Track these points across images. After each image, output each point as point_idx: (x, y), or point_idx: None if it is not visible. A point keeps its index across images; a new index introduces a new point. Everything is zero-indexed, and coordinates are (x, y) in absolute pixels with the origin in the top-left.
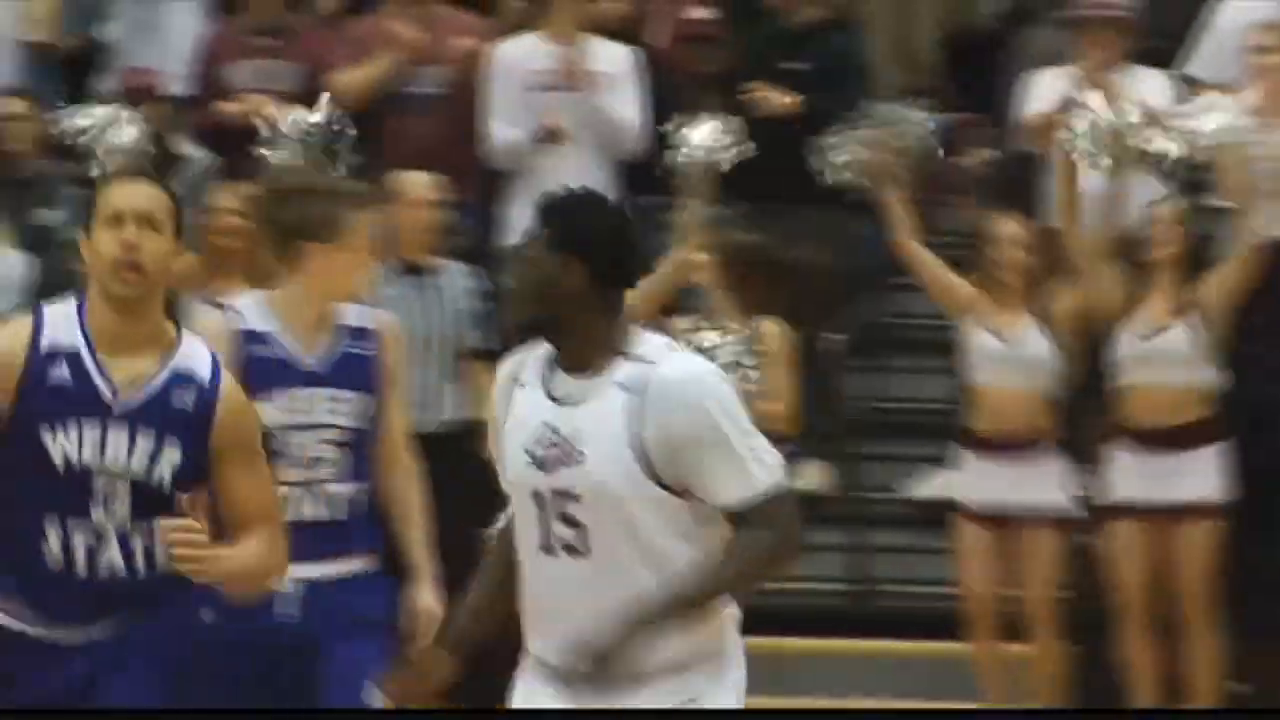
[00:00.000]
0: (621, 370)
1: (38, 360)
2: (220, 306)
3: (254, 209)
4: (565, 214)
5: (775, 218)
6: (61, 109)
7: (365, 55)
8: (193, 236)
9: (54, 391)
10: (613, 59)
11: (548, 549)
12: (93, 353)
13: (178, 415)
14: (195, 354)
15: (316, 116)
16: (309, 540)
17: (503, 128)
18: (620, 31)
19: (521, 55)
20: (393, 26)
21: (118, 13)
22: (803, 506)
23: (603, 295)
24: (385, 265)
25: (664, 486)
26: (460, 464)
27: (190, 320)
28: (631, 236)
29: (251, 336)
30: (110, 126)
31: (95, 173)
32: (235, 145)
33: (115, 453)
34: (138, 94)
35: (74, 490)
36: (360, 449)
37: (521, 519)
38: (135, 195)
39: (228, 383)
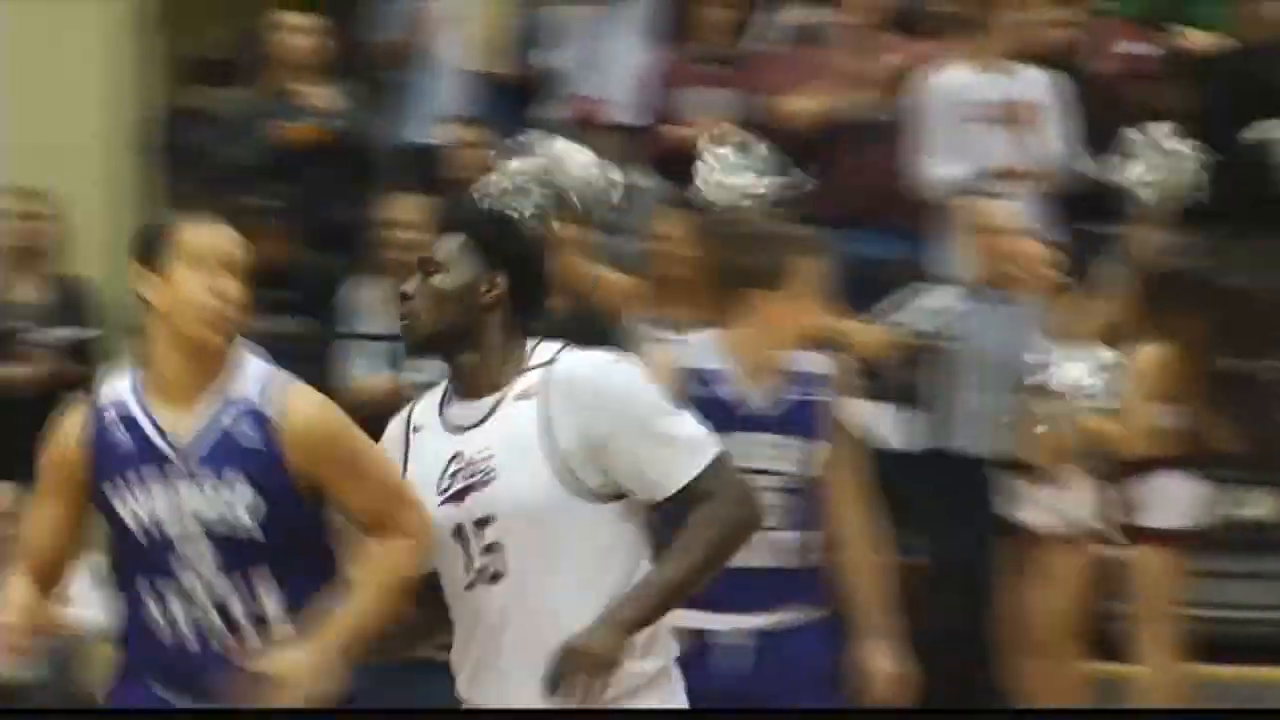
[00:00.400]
0: (520, 382)
1: (96, 423)
2: (671, 341)
3: (701, 249)
4: (491, 228)
5: (1233, 245)
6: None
7: (814, 84)
8: (642, 261)
9: (111, 452)
10: (1042, 88)
11: (470, 586)
12: (143, 404)
13: (240, 451)
14: (246, 379)
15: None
16: (753, 589)
17: (939, 162)
18: (1056, 57)
19: (956, 86)
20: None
21: (566, 41)
22: (1252, 534)
23: (516, 314)
24: (967, 291)
25: (587, 494)
26: None
27: (639, 347)
28: (548, 263)
29: (697, 375)
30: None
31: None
32: (686, 172)
33: (183, 506)
34: (584, 123)
35: (156, 554)
36: (804, 496)
37: (446, 568)
38: (221, 240)
39: (288, 398)
